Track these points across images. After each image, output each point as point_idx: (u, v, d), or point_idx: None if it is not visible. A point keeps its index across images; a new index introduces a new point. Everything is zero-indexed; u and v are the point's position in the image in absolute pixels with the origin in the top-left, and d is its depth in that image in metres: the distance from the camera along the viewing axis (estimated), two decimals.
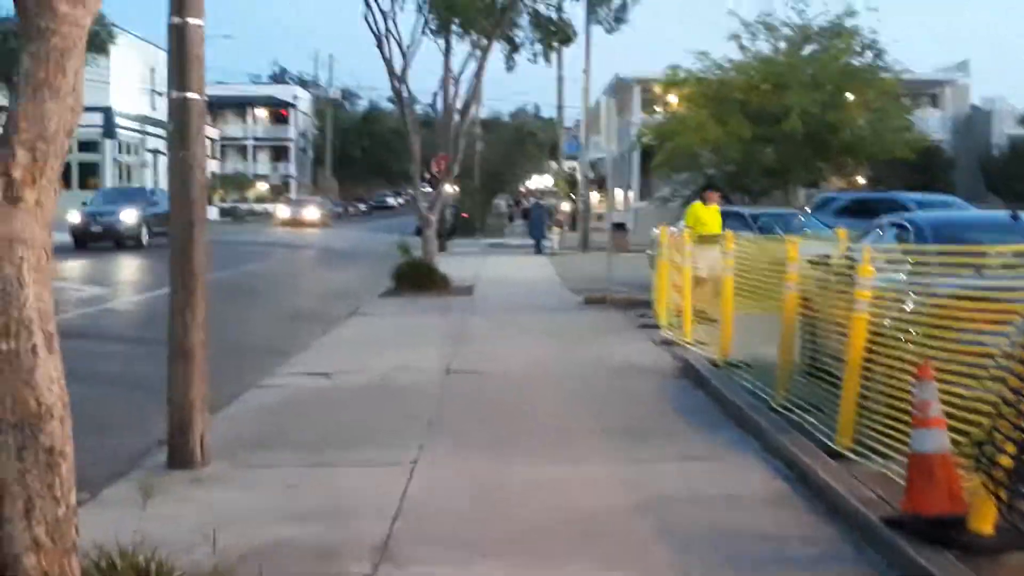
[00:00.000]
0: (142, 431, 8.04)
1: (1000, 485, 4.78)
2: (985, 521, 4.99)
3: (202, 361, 7.10)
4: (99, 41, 29.69)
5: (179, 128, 7.00)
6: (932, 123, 46.40)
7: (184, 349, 7.02)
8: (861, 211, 20.14)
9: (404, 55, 20.35)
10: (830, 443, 7.10)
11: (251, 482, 6.73)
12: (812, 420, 7.65)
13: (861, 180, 42.69)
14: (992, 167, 46.67)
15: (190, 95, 6.97)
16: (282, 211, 61.17)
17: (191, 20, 6.96)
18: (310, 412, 8.97)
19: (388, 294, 19.45)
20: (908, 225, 8.30)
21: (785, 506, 6.07)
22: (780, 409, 8.31)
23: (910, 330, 6.67)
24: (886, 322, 7.08)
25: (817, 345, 9.00)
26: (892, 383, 6.72)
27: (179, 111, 6.99)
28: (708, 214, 15.66)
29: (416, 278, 19.73)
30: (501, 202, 66.19)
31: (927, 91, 49.83)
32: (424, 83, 64.59)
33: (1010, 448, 4.76)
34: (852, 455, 6.81)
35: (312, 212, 58.61)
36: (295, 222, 56.61)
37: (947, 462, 5.24)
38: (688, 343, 12.30)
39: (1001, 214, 9.20)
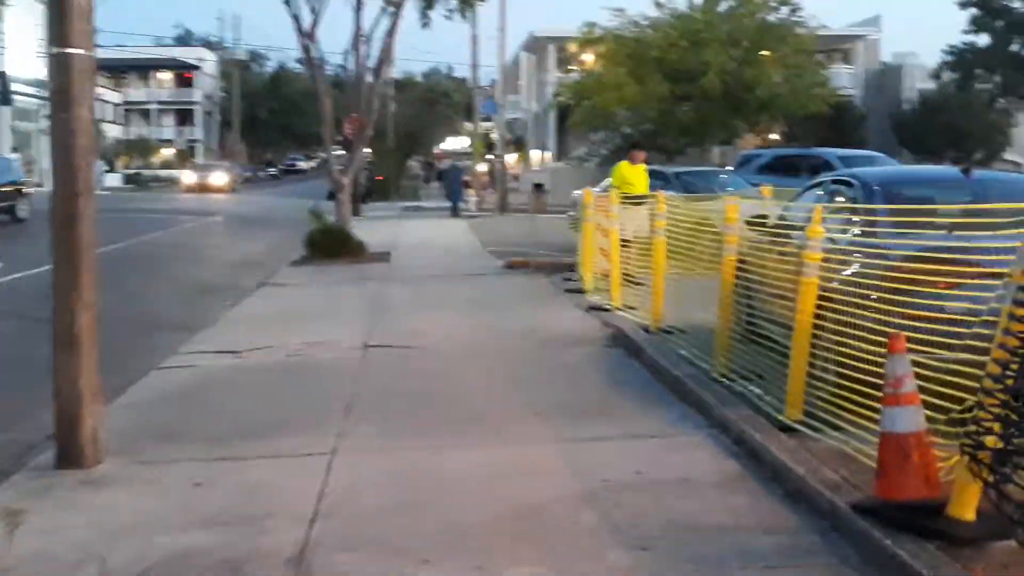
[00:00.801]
0: (34, 422, 7.26)
1: (986, 467, 4.33)
2: (966, 507, 4.54)
3: (91, 347, 6.36)
4: None
5: (60, 88, 6.20)
6: (843, 79, 46.74)
7: (70, 335, 6.28)
8: (784, 168, 19.94)
9: (313, 11, 19.44)
10: (779, 416, 6.68)
11: (150, 481, 6.04)
12: (756, 391, 7.24)
13: (774, 136, 42.81)
14: (903, 122, 47.12)
15: (72, 50, 6.17)
16: (188, 176, 59.44)
17: None
18: (217, 396, 8.27)
19: (300, 262, 18.63)
20: (854, 182, 7.82)
21: (741, 490, 5.58)
22: (721, 379, 7.89)
23: (867, 294, 6.21)
24: (835, 285, 6.64)
25: (754, 309, 8.55)
26: (844, 350, 6.29)
27: (59, 69, 6.18)
28: (634, 174, 15.20)
29: (330, 245, 18.94)
30: (415, 164, 65.24)
31: (839, 46, 50.05)
32: (335, 42, 62.91)
33: (997, 427, 4.32)
34: (804, 428, 6.39)
35: (219, 177, 57.18)
36: (201, 187, 55.19)
37: (923, 443, 4.79)
38: (618, 308, 11.83)
39: (951, 170, 8.83)
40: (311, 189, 44.42)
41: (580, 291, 13.82)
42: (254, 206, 40.75)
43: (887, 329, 5.74)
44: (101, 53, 71.01)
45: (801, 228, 7.48)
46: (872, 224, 7.13)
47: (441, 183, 44.66)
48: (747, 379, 7.70)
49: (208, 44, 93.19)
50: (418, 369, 9.08)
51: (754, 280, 8.26)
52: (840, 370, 6.32)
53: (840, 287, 6.55)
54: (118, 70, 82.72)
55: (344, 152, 23.84)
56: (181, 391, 8.45)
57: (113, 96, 78.85)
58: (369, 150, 37.54)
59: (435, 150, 78.64)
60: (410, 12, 21.57)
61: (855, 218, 7.51)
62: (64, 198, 6.24)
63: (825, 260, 6.63)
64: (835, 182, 8.63)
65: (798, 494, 5.36)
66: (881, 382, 5.57)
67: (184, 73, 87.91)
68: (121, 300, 14.74)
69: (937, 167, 11.25)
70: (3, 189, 27.90)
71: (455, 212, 34.60)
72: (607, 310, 11.94)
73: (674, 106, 34.16)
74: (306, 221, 20.18)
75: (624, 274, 12.36)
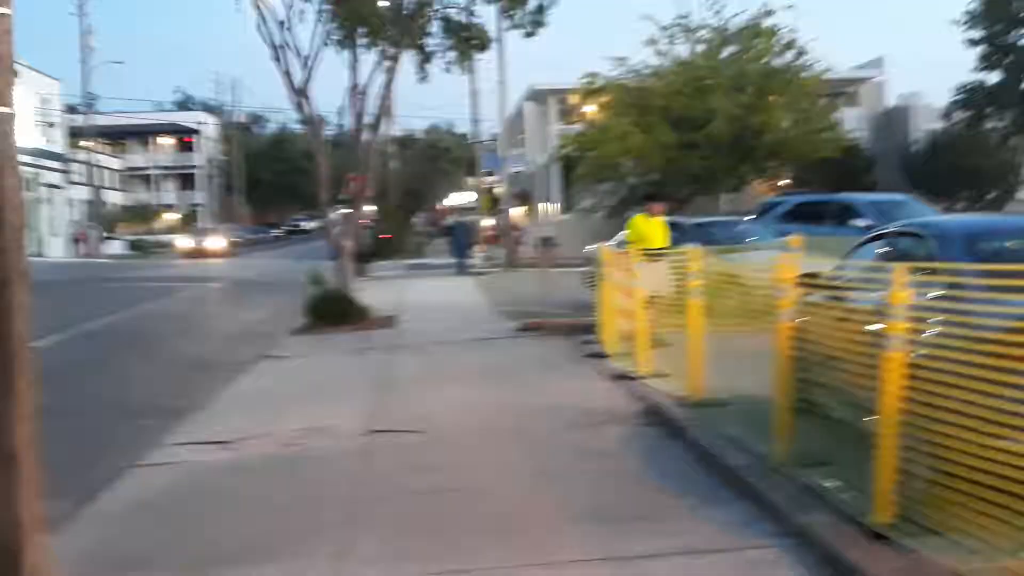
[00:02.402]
0: None
1: None
2: None
3: (31, 467, 5.18)
4: None
5: None
6: (850, 122, 45.80)
7: (5, 453, 5.12)
8: (809, 215, 18.86)
9: (306, 66, 18.45)
10: (864, 519, 5.51)
11: None
12: (828, 484, 6.07)
13: (784, 183, 41.82)
14: (913, 164, 46.06)
15: None
16: (183, 241, 58.33)
17: None
18: (197, 505, 7.09)
19: (302, 331, 17.50)
20: (925, 233, 6.68)
21: None
22: (783, 467, 6.72)
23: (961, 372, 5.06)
24: (922, 361, 5.49)
25: (809, 378, 7.38)
26: (940, 439, 5.14)
27: None
28: (652, 227, 14.09)
29: (331, 311, 17.80)
30: (419, 220, 64.46)
31: (843, 90, 49.21)
32: (330, 99, 62.60)
33: None
34: (897, 535, 5.22)
35: (216, 241, 55.93)
36: (198, 252, 53.98)
37: None
38: (646, 376, 10.68)
39: None
40: (314, 250, 43.34)
41: (602, 355, 12.67)
42: (255, 270, 39.70)
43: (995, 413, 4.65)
44: (100, 120, 70.92)
45: (869, 289, 6.41)
46: (957, 286, 6.00)
47: (447, 239, 43.62)
48: (812, 466, 6.57)
49: (208, 108, 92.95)
50: (428, 462, 7.86)
51: (811, 349, 7.10)
52: (936, 464, 5.19)
53: (933, 362, 5.40)
54: (118, 136, 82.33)
55: (346, 211, 22.82)
56: (157, 498, 7.28)
57: (113, 162, 78.34)
58: (373, 208, 36.65)
59: (439, 206, 77.97)
60: (407, 67, 20.69)
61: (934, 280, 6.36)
62: None
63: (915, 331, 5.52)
64: (901, 234, 7.48)
65: None
66: (992, 478, 4.49)
67: (185, 137, 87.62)
68: (108, 381, 13.64)
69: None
70: None
71: (462, 269, 33.55)
72: (635, 378, 10.80)
73: (681, 154, 33.20)
74: (309, 285, 19.11)
75: (652, 336, 11.24)
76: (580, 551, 5.58)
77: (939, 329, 5.56)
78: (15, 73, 5.33)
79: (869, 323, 6.11)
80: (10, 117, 5.20)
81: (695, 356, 9.14)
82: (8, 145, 5.20)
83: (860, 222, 17.93)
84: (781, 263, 7.10)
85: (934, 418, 5.26)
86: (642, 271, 12.05)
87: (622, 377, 11.05)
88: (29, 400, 5.21)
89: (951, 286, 6.14)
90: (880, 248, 7.48)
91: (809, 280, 7.58)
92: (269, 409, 10.52)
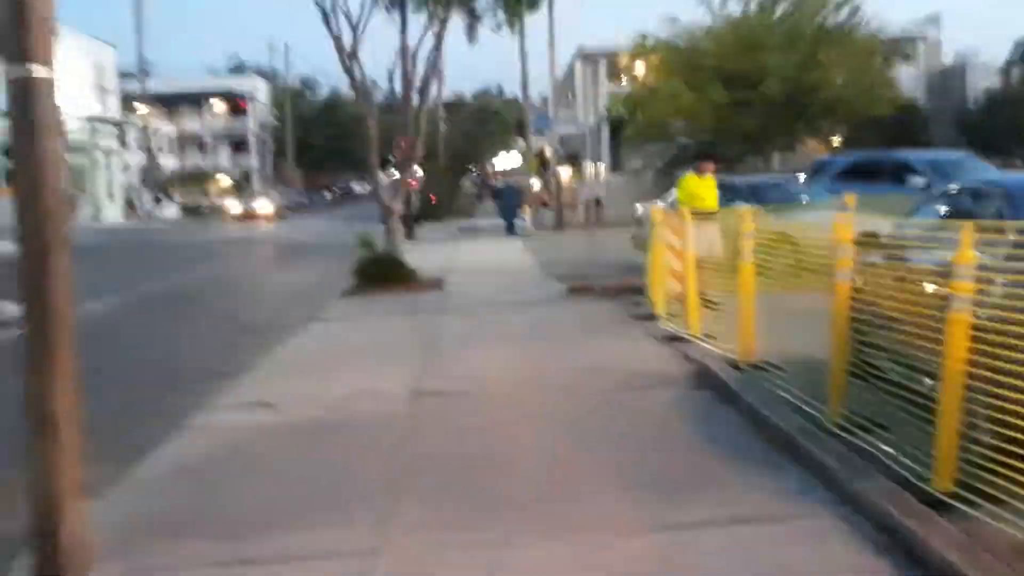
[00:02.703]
0: None
1: None
2: None
3: (73, 434, 5.10)
4: None
5: (22, 116, 4.97)
6: (905, 80, 44.85)
7: (46, 421, 5.02)
8: (864, 174, 18.38)
9: (354, 30, 18.28)
10: (922, 483, 5.27)
11: None
12: (886, 448, 5.82)
13: (837, 141, 41.05)
14: (969, 122, 45.14)
15: (35, 69, 4.96)
16: (233, 206, 58.45)
17: None
18: (242, 468, 6.97)
19: (351, 293, 17.42)
20: (992, 191, 6.34)
21: None
22: (837, 431, 6.48)
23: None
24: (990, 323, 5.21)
25: (867, 341, 7.10)
26: (1006, 404, 4.88)
27: (21, 93, 4.96)
28: (703, 187, 13.76)
29: (380, 274, 17.72)
30: (468, 183, 64.22)
31: (899, 48, 48.16)
32: (380, 62, 62.19)
33: None
34: (957, 503, 4.98)
35: (264, 205, 55.98)
36: (248, 216, 54.08)
37: None
38: (697, 338, 10.44)
39: None
40: (364, 213, 43.29)
41: (651, 317, 12.43)
42: (306, 233, 39.80)
43: None
44: (154, 86, 71.28)
45: (932, 248, 6.12)
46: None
47: (496, 201, 43.38)
48: (867, 430, 6.33)
49: (261, 73, 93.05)
50: (474, 425, 7.70)
51: (870, 311, 6.82)
52: (1000, 430, 4.93)
53: (1000, 325, 5.12)
54: (172, 102, 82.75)
55: (396, 174, 22.68)
56: (200, 462, 7.18)
57: (168, 127, 78.85)
58: (421, 172, 36.50)
59: (488, 168, 77.64)
60: (456, 28, 20.42)
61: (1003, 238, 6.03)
62: (32, 255, 4.99)
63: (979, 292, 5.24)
64: (966, 192, 7.14)
65: None
66: None
67: (238, 102, 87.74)
68: (160, 343, 13.66)
69: None
70: None
71: (511, 231, 33.36)
72: (685, 340, 10.56)
73: (733, 113, 32.61)
74: (359, 248, 19.02)
75: (702, 298, 11.00)
76: (628, 521, 5.38)
77: (1005, 290, 5.29)
78: (56, 34, 5.19)
79: (932, 283, 5.85)
80: (50, 80, 5.05)
81: (746, 319, 8.88)
82: (49, 108, 5.06)
83: (918, 180, 17.46)
84: (839, 222, 6.80)
85: (999, 382, 5.00)
86: (693, 232, 11.78)
87: (671, 339, 10.82)
88: (70, 367, 5.11)
89: (1018, 245, 5.85)
90: (944, 207, 7.14)
91: (869, 239, 7.31)
92: (316, 371, 10.42)
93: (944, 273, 5.45)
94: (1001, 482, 4.86)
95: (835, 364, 6.75)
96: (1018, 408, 4.72)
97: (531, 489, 6.02)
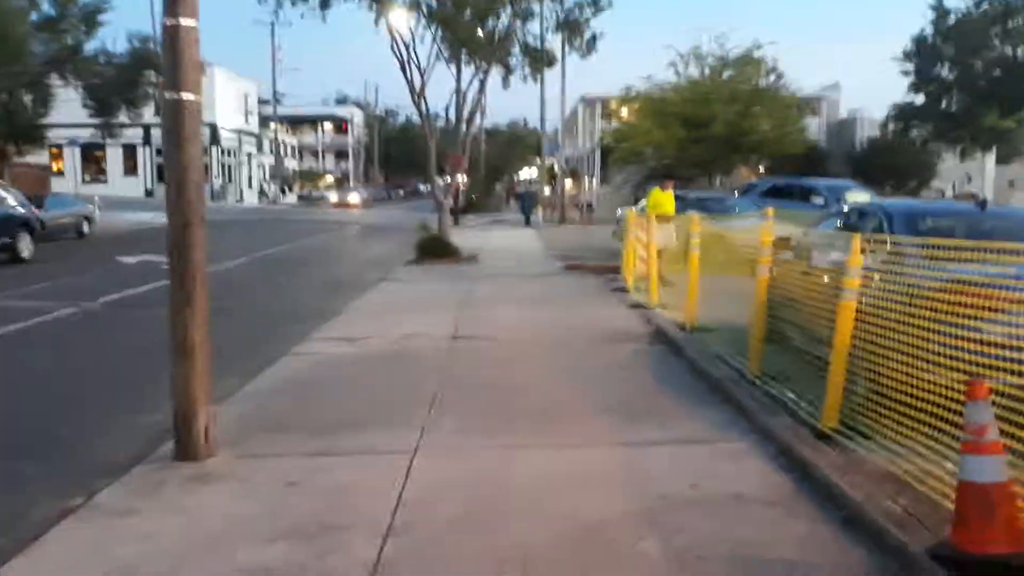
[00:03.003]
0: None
1: None
2: None
3: (204, 358, 4.97)
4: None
5: (173, 129, 4.80)
6: (812, 128, 44.04)
7: (185, 348, 4.90)
8: (781, 194, 18.01)
9: (422, 76, 18.01)
10: (814, 421, 5.09)
11: (250, 478, 4.63)
12: (791, 395, 5.63)
13: (761, 170, 40.41)
14: (856, 160, 44.32)
15: (185, 96, 4.78)
16: (333, 197, 58.34)
17: (183, 21, 4.74)
18: (328, 385, 6.84)
19: (412, 262, 17.25)
20: (879, 213, 6.10)
21: (798, 514, 3.96)
22: (755, 380, 6.29)
23: (904, 319, 4.57)
24: (869, 308, 4.99)
25: (776, 315, 6.88)
26: (877, 367, 4.69)
27: (173, 112, 4.79)
28: (664, 198, 13.51)
29: (433, 249, 17.56)
30: (499, 188, 63.71)
31: (809, 104, 47.28)
32: (440, 98, 61.81)
33: None
34: (839, 436, 4.81)
35: (354, 197, 55.43)
36: (342, 204, 53.63)
37: (1008, 494, 3.19)
38: (655, 307, 10.24)
39: (966, 206, 7.02)
40: (426, 205, 42.99)
41: (624, 290, 12.22)
42: (384, 218, 39.53)
43: (922, 352, 4.21)
44: (283, 110, 70.79)
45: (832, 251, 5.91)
46: (899, 254, 5.46)
47: (518, 202, 42.98)
48: (776, 380, 6.14)
49: (357, 104, 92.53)
50: (494, 362, 7.54)
51: (781, 295, 6.60)
52: (873, 385, 4.74)
53: (875, 310, 4.91)
54: (296, 122, 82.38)
55: (448, 179, 22.43)
56: (300, 379, 7.07)
57: (291, 140, 78.50)
58: (466, 178, 36.14)
59: (514, 178, 76.99)
60: (495, 78, 20.06)
61: (880, 247, 5.79)
62: (178, 227, 4.85)
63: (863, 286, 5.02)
64: (859, 212, 6.87)
65: (858, 523, 3.75)
66: (912, 399, 4.12)
67: (341, 124, 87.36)
68: (274, 293, 13.53)
69: (955, 203, 9.09)
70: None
71: (527, 223, 33.04)
72: (647, 308, 10.36)
73: (689, 146, 32.16)
74: (419, 230, 18.85)
75: (660, 278, 10.79)
76: (602, 436, 5.23)
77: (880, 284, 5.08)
78: (203, 70, 5.01)
79: (828, 277, 5.64)
80: (198, 103, 4.88)
81: (692, 294, 8.67)
82: (196, 123, 4.88)
83: (818, 200, 17.09)
84: (763, 229, 6.58)
85: (873, 352, 4.80)
86: (656, 230, 11.56)
87: (638, 306, 10.62)
88: (204, 309, 4.98)
89: (893, 253, 5.62)
90: (839, 221, 6.88)
91: (782, 242, 7.09)
92: (385, 317, 10.28)
93: (838, 271, 5.25)
94: (872, 424, 4.69)
95: (755, 332, 6.55)
96: (885, 370, 4.54)
97: (532, 410, 5.86)
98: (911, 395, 4.25)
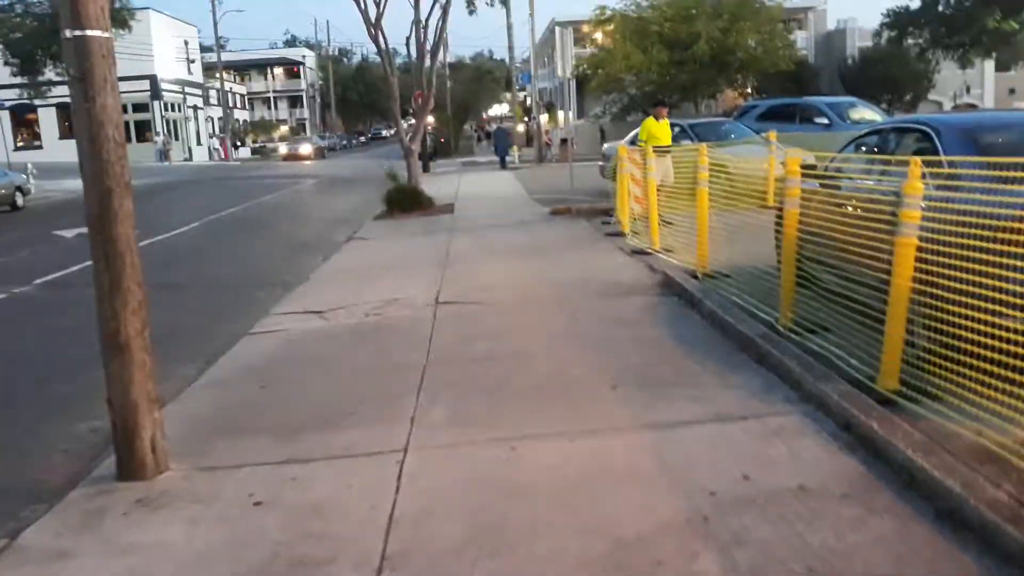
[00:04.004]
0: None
1: None
2: None
3: (144, 353, 4.32)
4: (121, 18, 25.52)
5: (79, 75, 4.06)
6: (799, 42, 43.15)
7: (117, 341, 4.24)
8: (779, 115, 17.33)
9: (378, 5, 16.98)
10: (870, 383, 4.55)
11: (208, 499, 4.02)
12: (835, 350, 5.07)
13: (748, 91, 39.59)
14: (848, 75, 43.55)
15: (90, 32, 4.03)
16: (282, 149, 56.16)
17: None
18: (297, 372, 6.21)
19: (381, 216, 16.50)
20: (928, 130, 5.45)
21: (880, 510, 3.38)
22: (789, 333, 5.74)
23: (978, 256, 3.99)
24: (933, 247, 4.41)
25: (806, 255, 6.30)
26: (944, 316, 4.14)
27: (76, 54, 4.04)
28: (659, 128, 12.83)
29: (404, 201, 16.78)
30: (469, 128, 62.48)
31: (794, 16, 46.25)
32: (399, 31, 59.84)
33: None
34: (903, 400, 4.28)
35: (305, 148, 53.04)
36: (292, 156, 51.47)
37: None
38: (658, 251, 9.65)
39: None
40: (392, 152, 41.75)
41: (620, 234, 11.60)
42: (348, 169, 38.45)
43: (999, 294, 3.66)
44: (229, 56, 68.58)
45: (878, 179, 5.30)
46: (957, 178, 4.85)
47: (490, 142, 42.01)
48: (813, 331, 5.59)
49: (308, 45, 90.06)
50: (485, 330, 6.91)
51: (814, 231, 6.00)
52: (940, 338, 4.19)
53: (941, 248, 4.33)
54: (243, 68, 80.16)
55: (413, 121, 21.54)
56: (263, 364, 6.43)
57: (240, 88, 76.36)
58: (432, 119, 35.06)
59: (483, 116, 75.58)
60: (458, 3, 19.04)
61: (936, 171, 5.17)
62: (96, 196, 4.14)
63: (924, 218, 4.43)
64: (899, 130, 6.23)
65: (958, 518, 3.21)
66: (988, 350, 3.60)
67: (292, 68, 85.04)
68: (231, 260, 12.79)
69: (1010, 113, 8.36)
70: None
71: (503, 165, 32.18)
72: (649, 253, 9.76)
73: (671, 69, 31.24)
74: (387, 180, 18.03)
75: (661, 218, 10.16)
76: (621, 418, 4.64)
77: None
78: (132, 14, 4.23)
79: (878, 209, 5.03)
80: (107, 41, 4.12)
81: (702, 236, 8.06)
82: (107, 67, 4.12)
83: (821, 120, 16.44)
84: (790, 158, 5.93)
85: (937, 296, 4.24)
86: (653, 164, 10.89)
87: (638, 252, 10.01)
88: (138, 293, 4.30)
89: (951, 177, 5.02)
90: (879, 143, 6.24)
91: (809, 170, 6.47)
92: (356, 282, 9.63)
93: (894, 201, 4.64)
94: (939, 381, 4.15)
95: (785, 277, 5.97)
96: (952, 318, 4.00)
97: (535, 388, 5.26)
98: (985, 346, 3.72)
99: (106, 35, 4.07)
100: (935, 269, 4.28)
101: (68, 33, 4.02)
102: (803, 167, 6.35)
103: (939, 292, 4.23)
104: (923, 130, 5.50)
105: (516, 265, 9.96)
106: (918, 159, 4.43)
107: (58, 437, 5.31)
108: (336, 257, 11.99)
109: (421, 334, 6.89)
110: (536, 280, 8.94)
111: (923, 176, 4.50)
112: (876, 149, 6.51)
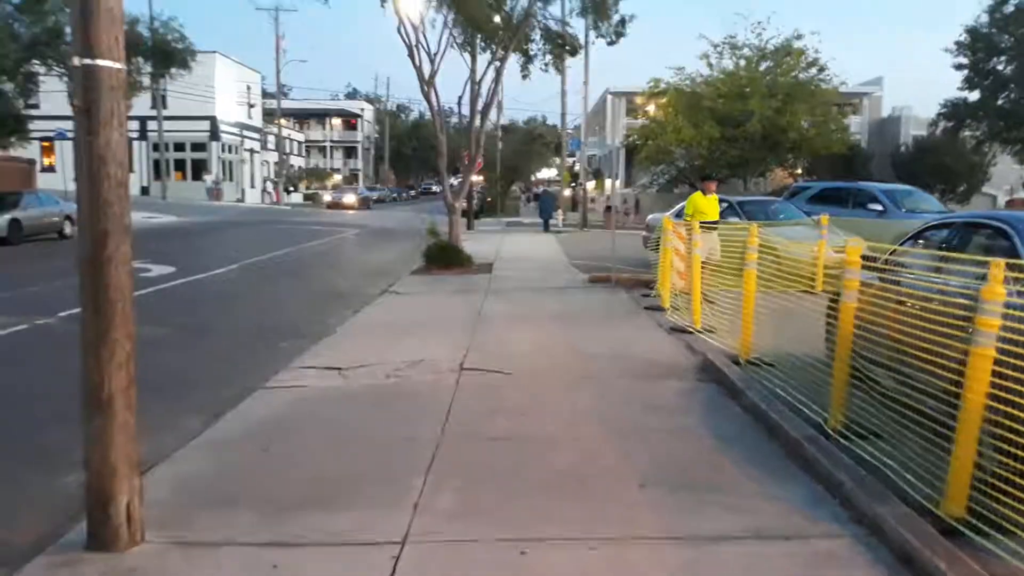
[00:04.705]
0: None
1: None
2: None
3: (128, 412, 3.92)
4: (181, 59, 26.07)
5: (86, 106, 3.75)
6: (853, 126, 42.75)
7: (99, 397, 3.84)
8: (832, 199, 16.77)
9: (432, 62, 16.96)
10: (931, 506, 3.98)
11: None
12: (891, 462, 4.50)
13: (798, 172, 39.11)
14: (901, 162, 42.88)
15: (100, 62, 3.74)
16: (327, 196, 55.66)
17: None
18: (304, 434, 5.78)
19: (419, 271, 16.21)
20: (1006, 228, 4.92)
21: None
22: (838, 437, 5.18)
23: None
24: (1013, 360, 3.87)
25: (859, 351, 5.74)
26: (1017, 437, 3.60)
27: (86, 83, 3.73)
28: (707, 203, 12.40)
29: (443, 257, 16.48)
30: (516, 189, 62.75)
31: (849, 101, 45.96)
32: (452, 92, 60.46)
33: None
34: (970, 532, 3.71)
35: (350, 197, 52.68)
36: (336, 205, 51.15)
37: None
38: (699, 331, 9.12)
39: None
40: (438, 207, 41.86)
41: (659, 308, 11.10)
42: (393, 220, 38.52)
43: None
44: (290, 103, 70.12)
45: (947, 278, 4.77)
46: None
47: (536, 204, 41.92)
48: (863, 437, 5.03)
49: (368, 99, 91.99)
50: (508, 404, 6.42)
51: (872, 327, 5.46)
52: (1017, 465, 3.63)
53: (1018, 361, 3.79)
54: (302, 117, 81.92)
55: (460, 178, 21.41)
56: (269, 424, 6.00)
57: (298, 135, 77.95)
58: (481, 178, 35.12)
59: (532, 179, 75.99)
60: (512, 68, 18.99)
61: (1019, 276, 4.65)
62: (92, 237, 3.80)
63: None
64: (970, 225, 5.71)
65: None
66: None
67: (351, 120, 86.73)
68: (262, 306, 12.50)
69: None
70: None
71: (547, 228, 31.94)
72: (689, 332, 9.24)
73: (722, 145, 30.96)
74: (428, 235, 17.77)
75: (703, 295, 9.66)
76: (648, 525, 4.09)
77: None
78: (124, 27, 3.94)
79: (947, 311, 4.50)
80: (118, 73, 3.82)
81: (747, 320, 7.54)
82: (116, 100, 3.79)
83: (876, 206, 15.87)
84: (850, 246, 5.43)
85: (1012, 415, 3.70)
86: (698, 239, 10.43)
87: (677, 330, 9.49)
88: (126, 348, 3.91)
89: None
90: (947, 237, 5.72)
91: (868, 262, 5.95)
92: (384, 338, 9.25)
93: (967, 305, 4.12)
94: (1010, 513, 3.59)
95: (837, 374, 5.42)
96: None
97: (556, 479, 4.75)
98: None
99: (117, 66, 3.77)
100: (1015, 387, 3.74)
101: (77, 61, 3.73)
102: (864, 257, 5.85)
103: (1018, 413, 3.70)
104: (999, 227, 4.98)
105: (548, 333, 9.50)
106: (1001, 261, 3.92)
107: (41, 490, 4.92)
108: (367, 310, 11.65)
109: (440, 403, 6.43)
110: (567, 352, 8.46)
111: (1005, 280, 3.99)
112: (943, 245, 5.97)
